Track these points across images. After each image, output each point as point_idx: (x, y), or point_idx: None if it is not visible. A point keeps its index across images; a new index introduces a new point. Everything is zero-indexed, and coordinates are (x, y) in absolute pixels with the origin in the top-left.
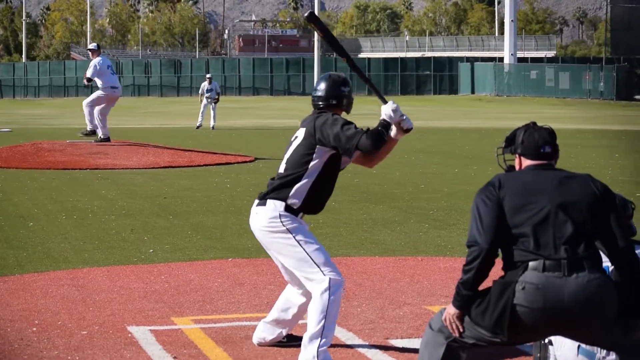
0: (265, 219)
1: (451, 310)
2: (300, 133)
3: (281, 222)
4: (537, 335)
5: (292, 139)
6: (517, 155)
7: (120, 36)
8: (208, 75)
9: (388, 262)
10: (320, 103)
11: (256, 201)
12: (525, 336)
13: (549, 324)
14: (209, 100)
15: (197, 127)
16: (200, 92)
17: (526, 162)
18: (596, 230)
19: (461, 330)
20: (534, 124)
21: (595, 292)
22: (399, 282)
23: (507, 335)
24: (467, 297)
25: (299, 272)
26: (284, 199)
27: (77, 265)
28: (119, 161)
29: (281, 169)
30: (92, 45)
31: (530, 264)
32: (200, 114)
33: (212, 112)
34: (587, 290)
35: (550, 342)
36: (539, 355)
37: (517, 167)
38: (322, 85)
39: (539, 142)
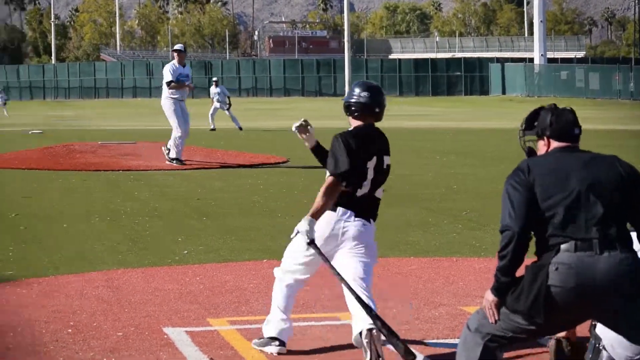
0: (370, 234)
1: (489, 297)
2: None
3: None
4: (569, 316)
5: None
6: (545, 138)
7: (150, 37)
8: (214, 79)
9: (423, 263)
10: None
11: (352, 213)
12: (559, 319)
13: (581, 304)
14: (221, 104)
15: (212, 130)
16: (211, 96)
17: (554, 144)
18: (626, 210)
19: (497, 317)
20: (556, 106)
21: (627, 271)
22: (434, 282)
23: (544, 317)
24: (504, 283)
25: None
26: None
27: (111, 266)
28: (151, 162)
29: (380, 194)
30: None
31: (562, 246)
32: (210, 117)
33: (230, 116)
34: (619, 269)
35: (604, 347)
36: (590, 356)
37: (543, 150)
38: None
39: (568, 124)
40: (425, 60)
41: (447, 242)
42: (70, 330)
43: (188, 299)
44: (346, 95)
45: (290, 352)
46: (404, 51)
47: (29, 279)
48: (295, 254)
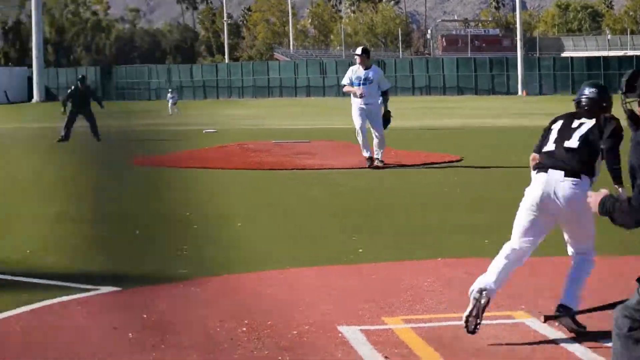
0: (583, 192)
1: (596, 208)
2: (587, 121)
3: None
4: None
5: (574, 125)
6: None
7: (323, 36)
8: None
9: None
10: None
11: (561, 172)
12: None
13: None
14: None
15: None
16: None
17: None
18: None
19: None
20: None
21: None
22: (606, 281)
23: None
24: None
25: (584, 243)
26: (592, 175)
27: (285, 265)
28: (326, 161)
29: (572, 144)
30: (360, 50)
31: None
32: None
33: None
34: None
35: None
36: None
37: None
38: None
39: None
40: (598, 58)
41: (631, 240)
42: (244, 329)
43: (363, 297)
44: (577, 94)
45: (463, 351)
46: (576, 49)
47: (203, 277)
48: (516, 228)
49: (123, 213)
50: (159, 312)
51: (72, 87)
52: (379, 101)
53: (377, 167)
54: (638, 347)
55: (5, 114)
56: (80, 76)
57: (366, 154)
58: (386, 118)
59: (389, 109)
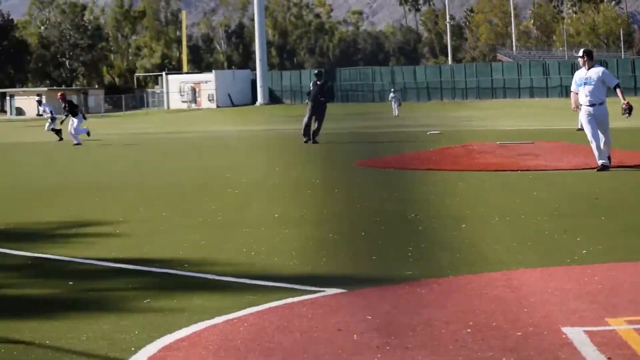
0: None
1: None
2: None
3: None
4: None
5: None
6: None
7: (545, 37)
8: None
9: None
10: None
11: None
12: None
13: None
14: None
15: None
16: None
17: None
18: None
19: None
20: None
21: None
22: None
23: None
24: None
25: None
26: None
27: (510, 266)
28: (550, 162)
29: None
30: (581, 52)
31: None
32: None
33: None
34: None
35: None
36: None
37: None
38: None
39: None
40: None
41: None
42: (469, 330)
43: (587, 298)
44: None
45: None
46: None
47: (428, 279)
48: None
49: (348, 214)
50: (384, 313)
51: (311, 83)
52: (605, 101)
53: (604, 170)
54: None
55: (230, 117)
56: (316, 71)
57: (599, 162)
58: (628, 107)
59: (626, 100)
